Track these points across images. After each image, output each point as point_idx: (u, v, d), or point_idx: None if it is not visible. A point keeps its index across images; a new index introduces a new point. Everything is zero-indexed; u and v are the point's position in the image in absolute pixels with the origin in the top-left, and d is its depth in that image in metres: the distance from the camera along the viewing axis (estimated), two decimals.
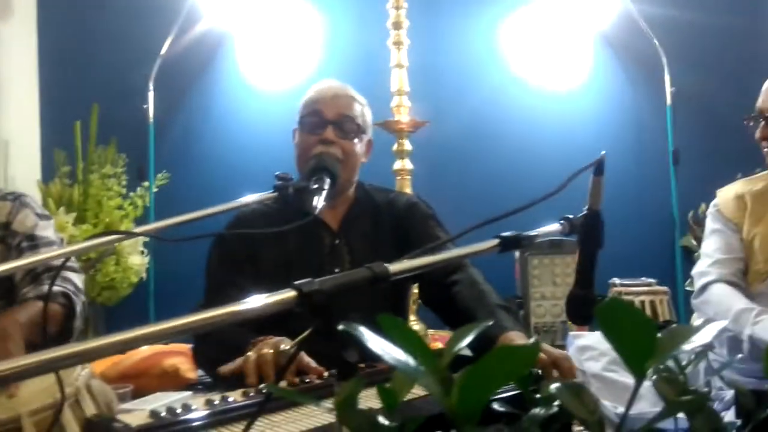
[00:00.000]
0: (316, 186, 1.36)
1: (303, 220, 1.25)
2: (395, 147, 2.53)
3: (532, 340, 1.32)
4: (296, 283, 0.78)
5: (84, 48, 2.95)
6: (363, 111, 1.64)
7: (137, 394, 1.81)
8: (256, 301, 0.76)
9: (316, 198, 1.33)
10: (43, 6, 2.95)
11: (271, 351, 1.19)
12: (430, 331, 2.40)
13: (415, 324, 2.40)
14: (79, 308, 1.59)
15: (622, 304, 0.45)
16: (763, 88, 1.41)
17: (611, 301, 0.45)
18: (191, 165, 2.93)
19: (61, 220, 2.53)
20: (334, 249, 1.60)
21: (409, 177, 2.53)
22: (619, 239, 2.68)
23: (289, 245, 1.55)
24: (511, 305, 1.42)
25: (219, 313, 0.73)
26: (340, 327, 0.60)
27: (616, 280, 2.49)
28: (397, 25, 2.53)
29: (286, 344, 1.23)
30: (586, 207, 1.10)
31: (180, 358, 1.85)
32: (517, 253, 2.40)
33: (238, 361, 1.22)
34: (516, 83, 2.98)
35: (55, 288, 1.51)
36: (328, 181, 1.40)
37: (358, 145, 1.60)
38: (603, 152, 1.08)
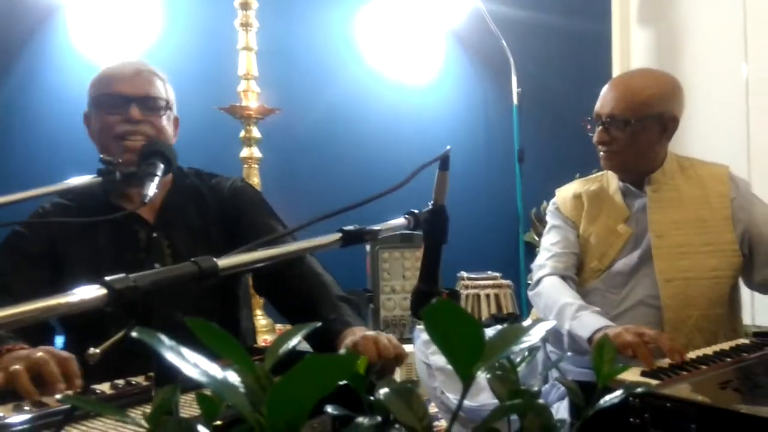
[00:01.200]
0: (148, 172, 1.23)
1: (117, 214, 1.12)
2: (242, 134, 2.38)
3: (371, 332, 1.29)
4: (107, 279, 0.67)
5: None
6: (166, 87, 1.46)
7: None
8: (59, 299, 0.65)
9: (148, 185, 1.20)
10: None
11: (46, 355, 1.05)
12: (278, 326, 2.28)
13: (261, 318, 2.29)
14: None
15: (449, 306, 0.41)
16: (602, 92, 1.47)
17: (438, 303, 0.41)
18: (11, 140, 2.60)
19: None
20: (152, 244, 1.40)
21: (257, 165, 2.40)
22: (466, 234, 2.75)
23: (98, 242, 1.35)
24: (353, 298, 1.36)
25: (19, 310, 0.63)
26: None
27: (464, 274, 2.54)
28: (245, 5, 2.36)
29: (41, 353, 1.07)
30: (431, 201, 1.08)
31: None
32: (368, 247, 2.38)
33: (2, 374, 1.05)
34: (370, 75, 2.89)
35: None
36: (161, 167, 1.25)
37: (167, 122, 1.42)
38: (448, 147, 1.06)
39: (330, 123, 2.76)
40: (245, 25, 2.37)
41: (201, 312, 1.33)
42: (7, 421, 0.91)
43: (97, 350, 0.91)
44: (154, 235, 1.41)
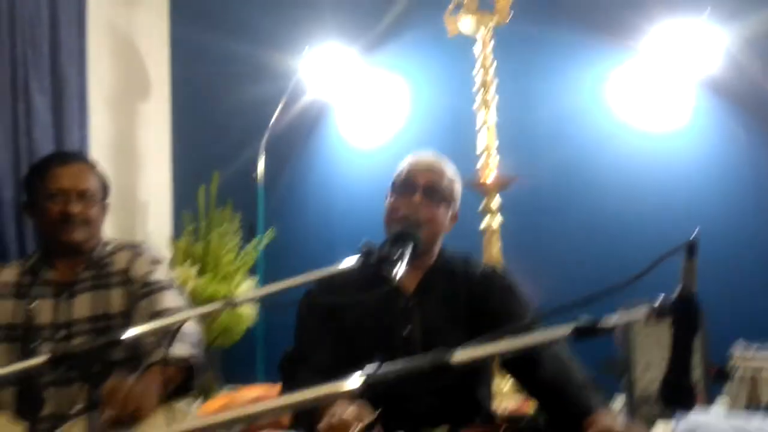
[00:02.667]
0: (397, 256, 1.37)
1: (380, 290, 1.28)
2: (482, 206, 2.42)
3: (620, 420, 1.21)
4: (364, 371, 0.77)
5: (207, 123, 3.15)
6: (452, 184, 1.65)
7: None
8: (329, 388, 0.76)
9: (397, 265, 1.33)
10: (175, 88, 3.19)
11: (347, 417, 1.20)
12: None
13: (503, 385, 2.28)
14: (197, 366, 1.65)
15: None
16: None
17: None
18: (297, 221, 3.01)
19: (187, 272, 2.69)
20: (407, 311, 1.58)
21: (497, 236, 2.41)
22: (742, 296, 2.41)
23: (365, 305, 1.56)
24: (599, 385, 1.33)
25: (301, 397, 0.78)
26: None
27: (740, 347, 2.00)
28: (484, 84, 2.44)
29: (361, 411, 1.23)
30: (679, 290, 1.00)
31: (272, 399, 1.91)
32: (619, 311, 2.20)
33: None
34: (613, 133, 2.67)
35: (178, 352, 1.58)
36: (409, 247, 1.40)
37: (443, 213, 1.60)
38: (696, 230, 0.99)
39: (571, 184, 2.66)
40: (484, 103, 2.45)
41: (442, 395, 1.42)
42: None
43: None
44: (410, 303, 1.58)
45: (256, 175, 2.92)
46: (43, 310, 1.76)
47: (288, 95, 2.88)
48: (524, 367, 1.40)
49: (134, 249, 1.88)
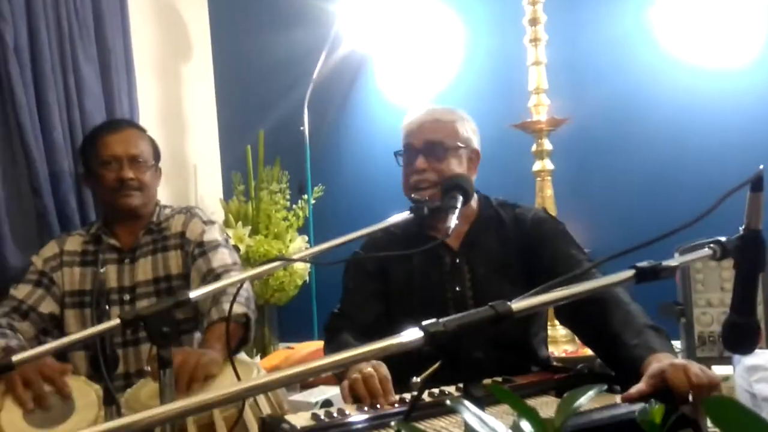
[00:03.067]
0: (449, 206, 1.36)
1: (427, 245, 1.26)
2: (534, 147, 2.36)
3: (681, 359, 1.19)
4: (423, 324, 0.78)
5: (250, 81, 3.15)
6: (455, 126, 1.57)
7: (304, 386, 1.94)
8: (388, 341, 0.78)
9: (450, 218, 1.33)
10: (216, 48, 3.19)
11: (371, 369, 1.23)
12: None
13: (561, 328, 2.23)
14: (253, 321, 1.71)
15: (732, 404, 0.38)
16: None
17: (719, 401, 0.38)
18: (342, 178, 3.00)
19: (239, 232, 2.75)
20: (454, 268, 1.56)
21: (549, 178, 2.36)
22: None
23: (412, 264, 1.57)
24: (661, 327, 1.29)
25: (355, 353, 0.77)
26: None
27: None
28: (533, 22, 2.35)
29: (383, 368, 1.26)
30: (743, 227, 0.97)
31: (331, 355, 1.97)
32: (677, 254, 2.16)
33: (346, 382, 1.25)
34: (668, 65, 2.50)
35: (236, 308, 1.62)
36: (460, 198, 1.38)
37: (455, 163, 1.55)
38: (761, 167, 0.95)
39: (623, 124, 2.53)
40: (534, 41, 2.36)
41: (497, 345, 1.42)
42: (350, 419, 1.11)
43: (418, 379, 1.04)
44: (457, 260, 1.56)
45: (304, 128, 2.91)
46: (109, 274, 1.84)
47: (329, 45, 2.83)
48: (581, 314, 1.38)
49: (188, 212, 1.94)
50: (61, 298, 1.83)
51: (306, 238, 2.86)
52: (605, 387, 0.65)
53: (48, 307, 1.81)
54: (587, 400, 0.59)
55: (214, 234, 1.88)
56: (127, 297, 1.82)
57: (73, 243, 1.90)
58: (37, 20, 2.15)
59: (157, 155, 1.96)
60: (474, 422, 0.51)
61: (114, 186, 1.83)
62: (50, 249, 1.88)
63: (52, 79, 2.18)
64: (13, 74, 2.04)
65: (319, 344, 2.50)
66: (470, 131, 1.62)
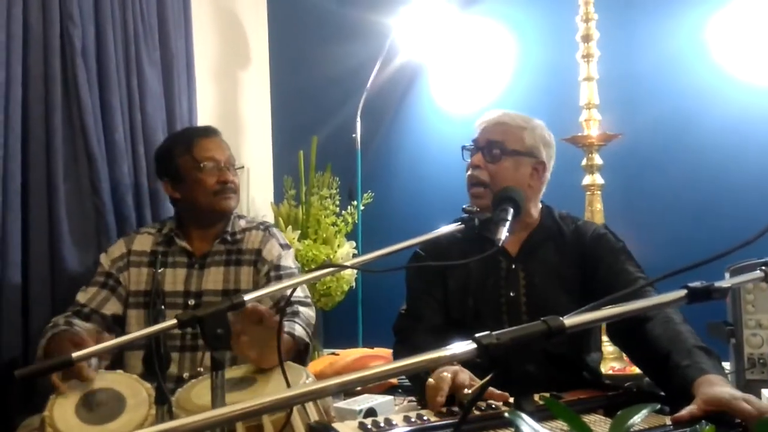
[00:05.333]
0: (499, 218, 1.37)
1: (484, 254, 1.26)
2: (584, 162, 2.35)
3: (728, 384, 1.17)
4: (476, 336, 0.79)
5: (305, 88, 3.22)
6: (522, 133, 1.59)
7: (347, 393, 1.98)
8: (442, 352, 0.79)
9: (500, 230, 1.33)
10: (274, 55, 3.27)
11: (449, 375, 1.24)
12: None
13: (608, 345, 2.21)
14: (310, 350, 1.74)
15: None
16: None
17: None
18: (392, 185, 3.04)
19: (289, 236, 2.80)
20: (511, 274, 1.57)
21: (599, 192, 2.34)
22: None
23: (470, 267, 1.58)
24: (713, 349, 1.27)
25: (409, 362, 0.78)
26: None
27: None
28: (586, 38, 2.35)
29: (463, 373, 1.27)
30: None
31: (383, 362, 1.98)
32: (727, 274, 2.11)
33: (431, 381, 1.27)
34: (723, 83, 2.47)
35: (301, 332, 1.67)
36: (510, 211, 1.39)
37: (510, 168, 1.56)
38: None
39: (674, 141, 2.51)
40: (586, 57, 2.35)
41: (550, 361, 1.42)
42: (397, 430, 1.12)
43: (470, 391, 1.06)
44: (513, 266, 1.58)
45: (357, 136, 2.95)
46: (177, 278, 1.88)
47: (384, 56, 2.88)
48: (632, 332, 1.37)
49: (266, 230, 1.96)
50: (125, 298, 1.87)
51: (354, 244, 2.89)
52: (658, 406, 0.65)
53: (111, 308, 1.84)
54: (641, 418, 0.59)
55: (289, 261, 1.92)
56: (191, 302, 1.84)
57: (143, 242, 1.93)
58: (104, 23, 2.22)
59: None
60: None
61: (216, 188, 1.87)
62: (118, 248, 1.92)
63: (116, 82, 2.25)
64: (79, 76, 2.11)
65: (363, 351, 2.53)
66: (539, 141, 1.64)
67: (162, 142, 2.10)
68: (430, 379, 1.24)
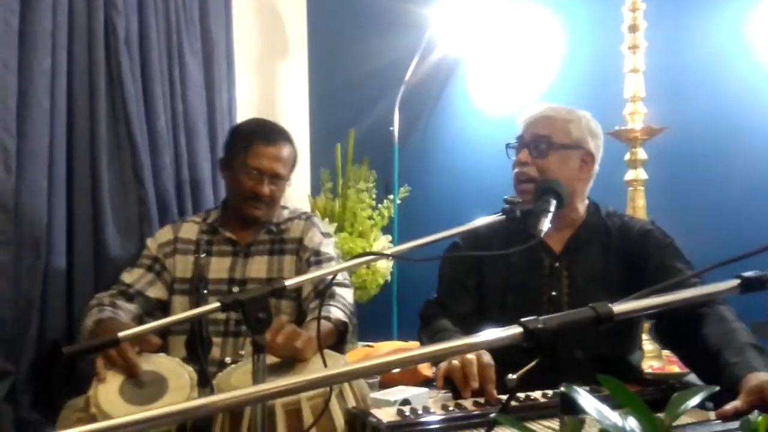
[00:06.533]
0: (540, 210, 1.36)
1: (525, 245, 1.26)
2: (628, 156, 2.30)
3: None
4: (522, 320, 0.78)
5: (343, 81, 3.24)
6: (568, 126, 1.56)
7: (383, 385, 1.99)
8: (487, 335, 0.79)
9: (542, 221, 1.32)
10: (313, 47, 3.29)
11: (472, 356, 1.23)
12: (665, 352, 2.14)
13: (648, 344, 2.18)
14: (351, 327, 1.75)
15: None
16: None
17: None
18: (428, 180, 3.03)
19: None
20: (553, 272, 1.55)
21: (642, 188, 2.29)
22: None
23: (511, 262, 1.56)
24: (766, 348, 1.24)
25: (453, 345, 0.78)
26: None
27: None
28: (633, 28, 2.29)
29: (486, 355, 1.26)
30: None
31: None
32: None
33: (444, 364, 1.27)
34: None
35: (338, 313, 1.69)
36: (553, 203, 1.37)
37: (558, 162, 1.53)
38: None
39: (720, 136, 2.43)
40: (633, 48, 2.30)
41: (598, 349, 1.40)
42: (436, 417, 1.13)
43: (515, 376, 1.05)
44: (556, 264, 1.56)
45: (394, 129, 2.95)
46: (221, 266, 1.91)
47: (422, 49, 2.87)
48: (682, 330, 1.34)
49: (308, 220, 1.99)
50: (170, 284, 1.91)
51: (390, 237, 2.90)
52: (717, 388, 0.64)
53: (156, 292, 1.89)
54: (698, 400, 0.58)
55: (330, 248, 1.94)
56: (236, 289, 1.88)
57: (189, 231, 1.97)
58: (147, 12, 2.26)
59: (293, 168, 2.01)
60: (591, 410, 0.52)
61: (247, 195, 1.89)
62: (165, 234, 1.97)
63: (159, 71, 2.29)
64: (123, 65, 2.15)
65: (398, 344, 2.53)
66: (587, 132, 1.61)
67: (238, 124, 2.14)
68: (454, 361, 1.24)
